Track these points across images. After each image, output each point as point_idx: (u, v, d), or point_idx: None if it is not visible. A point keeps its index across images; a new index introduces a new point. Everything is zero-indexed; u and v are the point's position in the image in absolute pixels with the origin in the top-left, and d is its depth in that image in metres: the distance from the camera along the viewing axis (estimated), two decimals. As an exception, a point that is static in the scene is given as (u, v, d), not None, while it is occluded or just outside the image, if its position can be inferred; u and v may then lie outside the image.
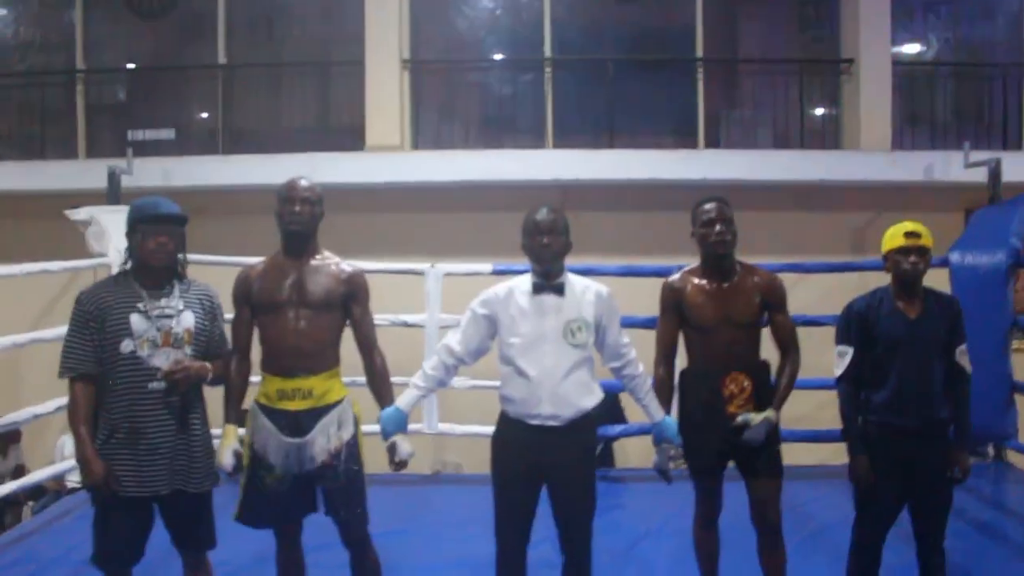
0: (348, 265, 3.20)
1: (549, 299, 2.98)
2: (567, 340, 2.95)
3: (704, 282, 3.22)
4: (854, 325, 3.22)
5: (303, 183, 3.14)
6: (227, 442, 3.07)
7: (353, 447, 3.12)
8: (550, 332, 2.96)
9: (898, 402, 3.13)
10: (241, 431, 3.14)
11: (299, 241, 3.13)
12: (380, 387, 3.21)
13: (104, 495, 2.86)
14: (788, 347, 3.26)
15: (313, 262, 3.14)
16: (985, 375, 4.78)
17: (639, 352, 3.15)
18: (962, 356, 3.19)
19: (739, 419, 3.12)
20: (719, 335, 3.17)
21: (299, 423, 3.05)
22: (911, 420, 3.12)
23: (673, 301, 3.27)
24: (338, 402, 3.12)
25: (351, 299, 3.17)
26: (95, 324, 2.87)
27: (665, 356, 3.30)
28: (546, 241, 2.96)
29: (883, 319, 3.16)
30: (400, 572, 3.72)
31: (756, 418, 3.11)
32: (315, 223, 3.15)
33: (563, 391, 2.94)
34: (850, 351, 3.21)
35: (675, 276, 3.32)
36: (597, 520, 3.08)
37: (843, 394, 3.24)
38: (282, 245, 3.17)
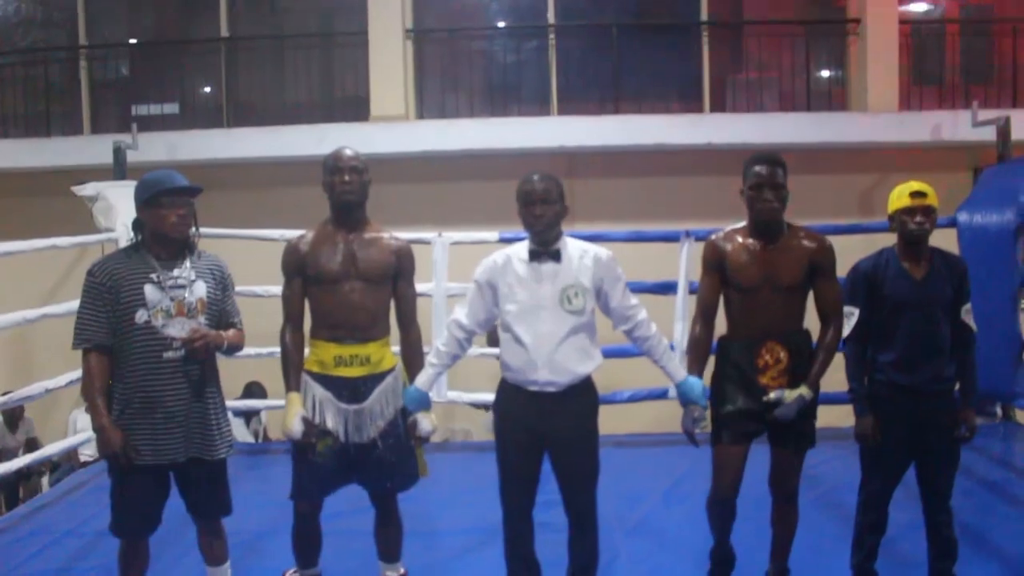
0: (396, 239, 3.23)
1: (546, 266, 2.97)
2: (564, 306, 2.94)
3: (749, 242, 3.11)
4: (860, 286, 3.20)
5: (348, 152, 3.14)
6: (293, 409, 3.09)
7: (403, 413, 3.18)
8: (547, 299, 2.95)
9: (905, 361, 3.12)
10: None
11: (351, 211, 3.14)
12: (414, 361, 3.24)
13: (121, 464, 2.89)
14: (830, 317, 3.13)
15: (366, 235, 3.16)
16: (993, 335, 4.79)
17: (649, 317, 3.13)
18: (967, 315, 3.18)
19: (772, 395, 3.05)
20: (760, 297, 3.07)
21: (357, 389, 3.10)
22: (918, 379, 3.12)
23: (715, 260, 3.16)
24: (392, 369, 3.19)
25: (400, 273, 3.21)
26: (109, 295, 2.89)
27: (703, 315, 3.20)
28: (539, 211, 2.93)
29: (889, 279, 3.15)
30: (413, 537, 3.76)
31: (790, 395, 3.03)
32: (365, 192, 3.16)
33: (560, 357, 2.94)
34: (856, 312, 3.19)
35: (719, 234, 3.20)
36: (603, 485, 3.09)
37: (850, 355, 3.24)
38: (333, 215, 3.18)
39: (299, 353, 3.18)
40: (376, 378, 3.13)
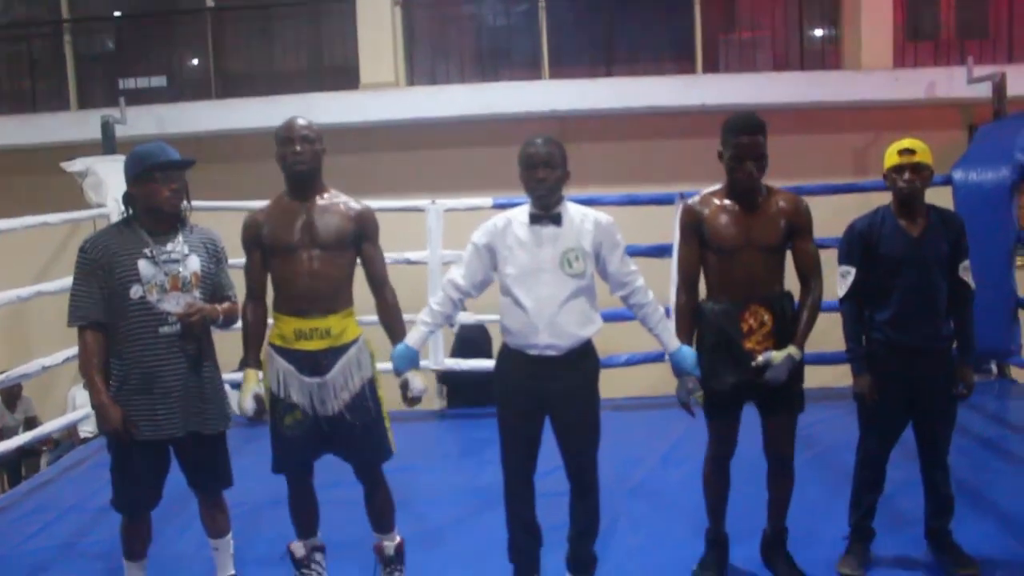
0: (356, 203, 3.17)
1: (546, 229, 2.95)
2: (564, 270, 2.93)
3: (727, 203, 3.07)
4: (856, 245, 3.19)
5: (300, 121, 3.09)
6: (248, 386, 3.08)
7: (372, 385, 3.14)
8: (547, 262, 2.93)
9: (902, 320, 3.12)
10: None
11: (305, 181, 3.09)
12: (393, 322, 3.21)
13: (121, 440, 2.90)
14: (810, 277, 3.10)
15: (321, 201, 3.11)
16: (989, 292, 4.80)
17: (644, 280, 3.12)
18: (965, 272, 3.17)
19: (760, 359, 3.02)
20: (740, 259, 3.03)
21: (318, 363, 3.06)
22: (915, 337, 3.12)
23: (693, 223, 3.11)
24: (355, 341, 3.13)
25: (362, 237, 3.15)
26: (102, 272, 2.87)
27: (686, 282, 3.17)
28: (541, 175, 2.91)
29: (885, 237, 3.14)
30: (412, 506, 3.78)
31: (778, 356, 3.01)
32: (318, 161, 3.11)
33: (561, 320, 2.93)
34: (853, 271, 3.19)
35: (695, 198, 3.16)
36: (602, 448, 3.10)
37: (847, 314, 3.23)
38: (287, 186, 3.13)
39: (259, 328, 3.16)
40: (338, 351, 3.08)
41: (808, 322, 3.09)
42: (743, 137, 2.98)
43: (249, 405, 3.06)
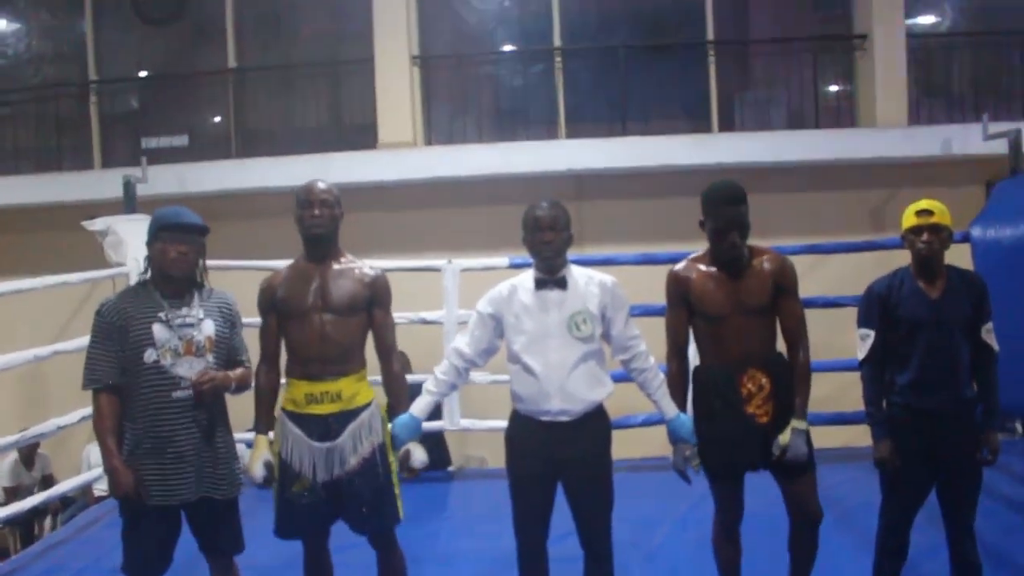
0: (371, 268, 3.18)
1: (552, 294, 2.95)
2: (572, 333, 2.92)
3: (712, 269, 3.06)
4: (875, 307, 3.15)
5: (320, 185, 3.12)
6: (258, 453, 3.06)
7: (383, 450, 3.11)
8: (554, 327, 2.93)
9: (922, 383, 3.07)
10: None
11: (321, 245, 3.11)
12: (397, 392, 3.18)
13: (133, 505, 2.88)
14: (797, 339, 3.07)
15: (336, 266, 3.12)
16: (1012, 348, 4.71)
17: (657, 340, 3.10)
18: (988, 334, 3.12)
19: (774, 448, 2.98)
20: (730, 324, 3.01)
21: (329, 427, 3.04)
22: (936, 401, 3.06)
23: (680, 291, 3.10)
24: (367, 405, 3.11)
25: (375, 303, 3.16)
26: (118, 335, 2.89)
27: (676, 349, 3.15)
28: (547, 238, 2.93)
29: (904, 300, 3.10)
30: (425, 567, 3.73)
31: (784, 438, 2.98)
32: (335, 225, 3.13)
33: (571, 386, 2.91)
34: (872, 334, 3.15)
35: (680, 265, 3.15)
36: (618, 510, 3.06)
37: (866, 377, 3.18)
38: (304, 249, 3.16)
39: (271, 394, 3.16)
40: (349, 415, 3.06)
41: (804, 391, 3.06)
42: (726, 209, 2.97)
43: (259, 472, 3.04)
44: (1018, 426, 5.97)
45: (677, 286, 3.11)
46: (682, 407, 3.10)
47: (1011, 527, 4.23)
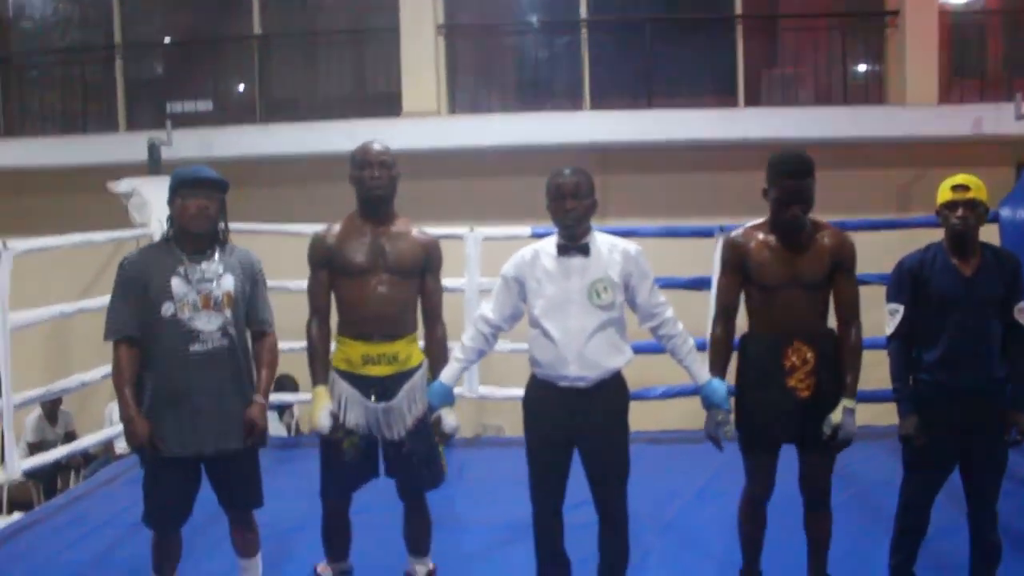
0: (424, 233, 3.21)
1: (574, 260, 2.94)
2: (592, 301, 2.91)
3: (771, 238, 3.01)
4: (906, 282, 3.10)
5: (376, 147, 3.13)
6: (320, 403, 3.09)
7: (431, 410, 3.15)
8: (575, 293, 2.92)
9: (951, 361, 3.02)
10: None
11: (380, 205, 3.13)
12: (439, 357, 3.22)
13: (147, 455, 2.92)
14: (851, 318, 3.04)
15: (394, 228, 3.15)
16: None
17: (680, 313, 3.07)
18: (1020, 313, 3.05)
19: (825, 428, 2.97)
20: (783, 296, 2.98)
21: (386, 388, 3.09)
22: (964, 380, 3.02)
23: (736, 258, 3.05)
24: (419, 366, 3.17)
25: (428, 267, 3.20)
26: (138, 288, 2.91)
27: (724, 314, 3.11)
28: (569, 206, 2.90)
29: (936, 275, 3.05)
30: (440, 532, 3.75)
31: (836, 416, 2.97)
32: (394, 185, 3.15)
33: (589, 352, 2.91)
34: (901, 309, 3.10)
35: (738, 232, 3.10)
36: (635, 482, 3.06)
37: (894, 353, 3.14)
38: (360, 209, 3.17)
39: (325, 346, 3.17)
40: (404, 376, 3.12)
41: (854, 370, 3.03)
42: (790, 182, 2.92)
43: (326, 421, 3.06)
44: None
45: (734, 252, 3.07)
46: (723, 373, 3.08)
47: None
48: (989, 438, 3.05)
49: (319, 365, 3.14)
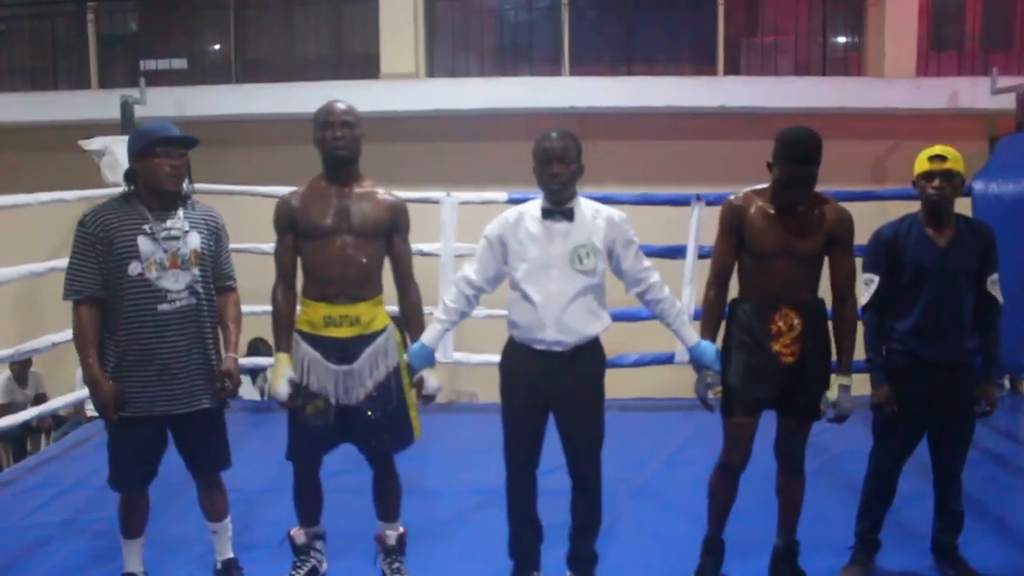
0: (390, 194, 3.16)
1: (558, 224, 2.93)
2: (574, 266, 2.90)
3: (770, 207, 2.97)
4: (881, 252, 3.12)
5: (340, 106, 3.06)
6: (281, 370, 3.06)
7: (397, 374, 3.14)
8: (557, 257, 2.91)
9: (924, 331, 3.05)
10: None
11: (344, 166, 3.07)
12: (414, 319, 3.20)
13: (110, 416, 2.88)
14: (846, 293, 3.03)
15: (358, 189, 3.09)
16: (1005, 306, 4.73)
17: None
18: (993, 285, 3.09)
19: (822, 405, 3.00)
20: (776, 265, 2.96)
21: (347, 350, 3.05)
22: (936, 350, 3.05)
23: (734, 221, 3.01)
24: (383, 329, 3.12)
25: (395, 229, 3.14)
26: (101, 246, 2.85)
27: (718, 278, 3.09)
28: (556, 170, 2.88)
29: (912, 246, 3.06)
30: (414, 497, 3.76)
31: (832, 394, 2.99)
32: (358, 146, 3.08)
33: (568, 317, 2.91)
34: (876, 279, 3.12)
35: (738, 196, 3.05)
36: (607, 448, 3.08)
37: (868, 323, 3.16)
38: (325, 170, 3.10)
39: (290, 312, 3.14)
40: (366, 339, 3.07)
41: (850, 346, 3.05)
42: (796, 168, 2.87)
43: (284, 389, 3.03)
44: (1005, 382, 6.02)
45: (732, 216, 3.04)
46: (713, 336, 3.08)
47: (991, 478, 4.31)
48: (960, 409, 3.09)
49: (282, 331, 3.11)
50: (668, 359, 5.55)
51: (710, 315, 3.11)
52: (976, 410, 3.12)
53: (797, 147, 2.88)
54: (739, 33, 8.61)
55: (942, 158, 3.02)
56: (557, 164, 2.88)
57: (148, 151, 2.87)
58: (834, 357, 3.08)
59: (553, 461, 3.10)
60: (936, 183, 3.02)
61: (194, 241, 2.94)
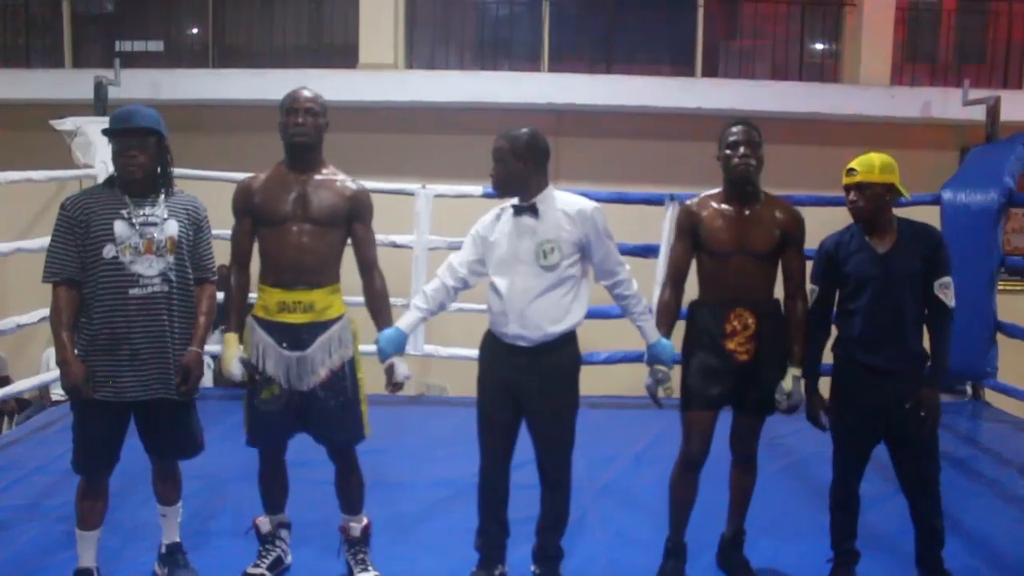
0: (353, 182, 3.14)
1: (526, 220, 2.96)
2: (539, 261, 2.92)
3: (724, 207, 3.10)
4: (821, 262, 3.17)
5: (306, 93, 3.05)
6: (230, 351, 3.05)
7: (352, 365, 3.12)
8: (524, 253, 2.93)
9: (867, 339, 3.05)
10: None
11: (304, 153, 3.06)
12: (379, 307, 3.17)
13: (79, 398, 2.87)
14: (796, 291, 3.14)
15: (318, 176, 3.08)
16: (969, 313, 4.82)
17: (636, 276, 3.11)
18: (942, 289, 3.04)
19: (777, 395, 3.07)
20: (732, 263, 3.05)
21: (300, 337, 3.03)
22: (881, 358, 3.04)
23: (689, 225, 3.14)
24: (338, 318, 3.10)
25: (355, 216, 3.12)
26: (80, 230, 2.85)
27: (674, 280, 3.19)
28: (492, 172, 2.97)
29: (852, 255, 3.08)
30: (382, 490, 3.77)
31: (787, 384, 3.06)
32: (320, 134, 3.07)
33: (531, 313, 2.92)
34: (816, 289, 3.17)
35: (694, 199, 3.18)
36: (577, 446, 3.08)
37: (809, 331, 3.17)
38: (286, 157, 3.09)
39: (242, 294, 3.14)
40: (320, 326, 3.05)
41: (801, 340, 3.13)
42: (735, 128, 3.07)
43: (236, 368, 3.02)
44: (967, 388, 6.11)
45: (688, 219, 3.16)
46: (668, 336, 3.14)
47: (952, 484, 4.31)
48: (910, 418, 3.02)
49: (233, 312, 3.11)
50: (638, 357, 5.55)
51: (663, 315, 3.18)
52: (919, 415, 3.03)
53: (737, 119, 3.13)
54: (718, 36, 8.68)
55: (852, 171, 3.07)
56: (497, 164, 2.97)
57: (109, 138, 2.89)
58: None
59: (523, 456, 3.11)
60: (851, 196, 3.07)
61: (171, 228, 2.93)
